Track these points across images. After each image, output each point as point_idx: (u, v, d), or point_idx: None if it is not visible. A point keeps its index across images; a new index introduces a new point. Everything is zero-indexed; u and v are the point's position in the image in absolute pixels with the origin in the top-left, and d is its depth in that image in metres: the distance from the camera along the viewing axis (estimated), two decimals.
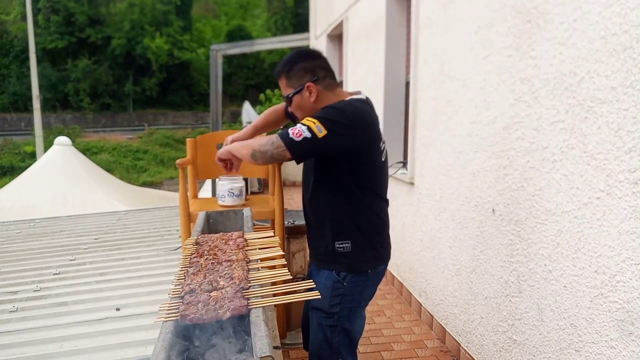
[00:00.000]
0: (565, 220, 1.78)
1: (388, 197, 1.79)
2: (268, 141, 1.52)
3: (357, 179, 1.62)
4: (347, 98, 1.66)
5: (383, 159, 1.71)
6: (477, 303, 2.50)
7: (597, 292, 1.62)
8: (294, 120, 1.87)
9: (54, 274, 2.28)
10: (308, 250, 1.87)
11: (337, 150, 1.55)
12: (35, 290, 2.07)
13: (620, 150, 1.51)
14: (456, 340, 2.75)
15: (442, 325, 2.95)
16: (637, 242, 1.45)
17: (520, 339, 2.11)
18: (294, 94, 1.64)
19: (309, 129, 1.48)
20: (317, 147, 1.50)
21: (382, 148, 1.69)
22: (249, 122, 9.37)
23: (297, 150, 1.50)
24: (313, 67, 1.65)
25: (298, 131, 1.48)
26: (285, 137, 1.49)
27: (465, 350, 2.65)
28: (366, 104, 1.67)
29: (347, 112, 1.54)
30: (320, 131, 1.47)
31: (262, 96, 12.93)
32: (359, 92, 1.74)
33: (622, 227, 1.50)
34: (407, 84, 3.67)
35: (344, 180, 1.62)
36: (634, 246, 1.46)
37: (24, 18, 21.16)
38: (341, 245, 1.66)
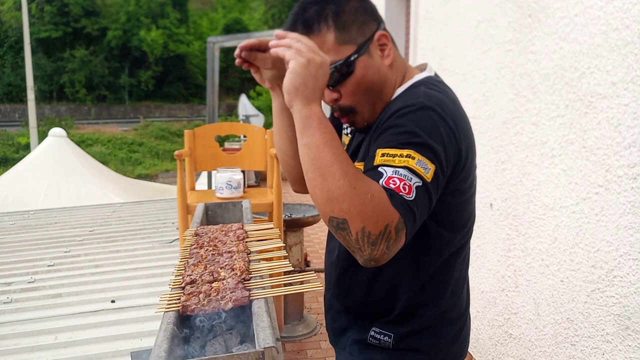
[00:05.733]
0: (563, 215, 1.78)
1: None
2: (380, 216, 0.71)
3: (449, 218, 0.93)
4: (418, 76, 0.94)
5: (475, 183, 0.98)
6: (474, 297, 2.51)
7: (594, 286, 1.63)
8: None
9: (48, 266, 2.26)
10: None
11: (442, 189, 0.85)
12: (29, 282, 2.05)
13: (619, 146, 1.51)
14: None
15: None
16: (635, 237, 1.45)
17: (516, 333, 2.12)
18: (359, 53, 0.87)
19: (411, 171, 0.76)
20: (429, 200, 0.79)
21: (475, 165, 0.96)
22: (246, 115, 9.32)
23: (414, 224, 0.76)
24: (373, 8, 0.92)
25: (402, 182, 0.75)
26: (405, 208, 0.73)
27: None
28: (449, 89, 0.95)
29: (447, 113, 0.84)
30: (427, 169, 0.77)
31: (252, 92, 12.62)
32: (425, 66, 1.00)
33: (620, 222, 1.51)
34: None
35: (432, 226, 0.90)
36: (632, 241, 1.46)
37: (18, 8, 20.95)
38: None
